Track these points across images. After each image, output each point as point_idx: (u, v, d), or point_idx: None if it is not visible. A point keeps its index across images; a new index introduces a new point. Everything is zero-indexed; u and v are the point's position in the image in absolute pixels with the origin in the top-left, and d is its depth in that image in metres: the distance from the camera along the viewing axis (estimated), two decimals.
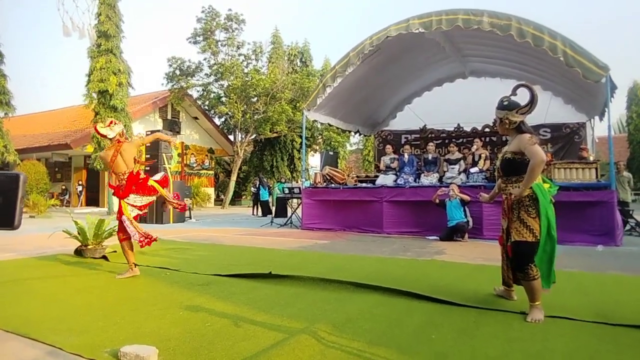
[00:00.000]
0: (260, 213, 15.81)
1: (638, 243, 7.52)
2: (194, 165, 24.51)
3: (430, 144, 10.40)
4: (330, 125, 12.49)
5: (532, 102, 3.11)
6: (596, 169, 7.73)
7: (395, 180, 9.72)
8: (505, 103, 3.18)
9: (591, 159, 8.88)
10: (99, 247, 5.82)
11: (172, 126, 22.01)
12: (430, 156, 10.01)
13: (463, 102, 11.44)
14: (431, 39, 9.44)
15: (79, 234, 5.78)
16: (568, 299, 3.54)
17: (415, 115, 13.03)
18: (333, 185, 10.07)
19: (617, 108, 36.48)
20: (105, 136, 4.45)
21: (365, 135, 16.21)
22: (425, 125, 12.65)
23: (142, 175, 4.59)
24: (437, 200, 8.06)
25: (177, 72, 21.76)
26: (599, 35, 68.91)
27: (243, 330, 2.78)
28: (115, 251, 5.89)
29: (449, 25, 8.13)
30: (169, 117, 22.86)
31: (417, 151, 12.00)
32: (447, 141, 12.34)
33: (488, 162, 9.17)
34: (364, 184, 10.03)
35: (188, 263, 5.31)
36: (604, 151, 15.88)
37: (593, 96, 8.82)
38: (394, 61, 10.41)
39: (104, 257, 5.67)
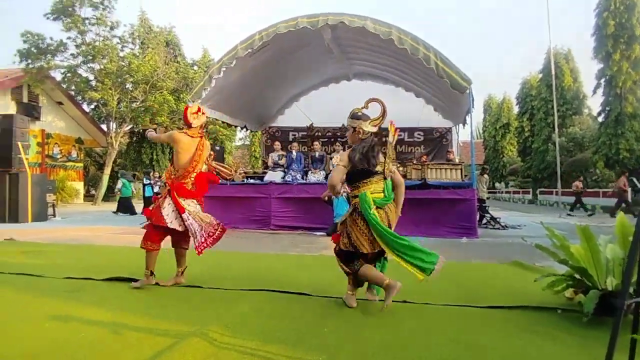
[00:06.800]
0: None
1: (492, 234, 8.67)
2: (58, 156, 21.69)
3: (317, 142, 10.69)
4: (216, 120, 12.09)
5: (384, 115, 3.37)
6: (461, 169, 8.75)
7: (284, 177, 9.78)
8: (359, 114, 3.42)
9: (456, 160, 10.02)
10: None
11: (30, 111, 18.97)
12: (317, 154, 10.28)
13: (347, 102, 11.87)
14: (319, 40, 9.69)
15: None
16: (439, 286, 3.87)
17: (303, 113, 13.30)
18: (220, 181, 9.74)
19: (475, 117, 42.33)
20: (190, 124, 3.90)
21: (252, 131, 16.03)
22: (312, 124, 12.96)
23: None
24: (327, 198, 8.29)
25: (34, 50, 18.90)
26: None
27: (124, 338, 2.53)
28: None
29: (336, 21, 8.43)
30: (25, 100, 19.75)
31: (304, 148, 12.24)
32: (332, 139, 12.83)
33: None
34: (252, 180, 9.91)
35: (52, 267, 4.67)
36: (466, 154, 18.06)
37: (457, 105, 9.92)
38: (282, 59, 10.46)
39: None
